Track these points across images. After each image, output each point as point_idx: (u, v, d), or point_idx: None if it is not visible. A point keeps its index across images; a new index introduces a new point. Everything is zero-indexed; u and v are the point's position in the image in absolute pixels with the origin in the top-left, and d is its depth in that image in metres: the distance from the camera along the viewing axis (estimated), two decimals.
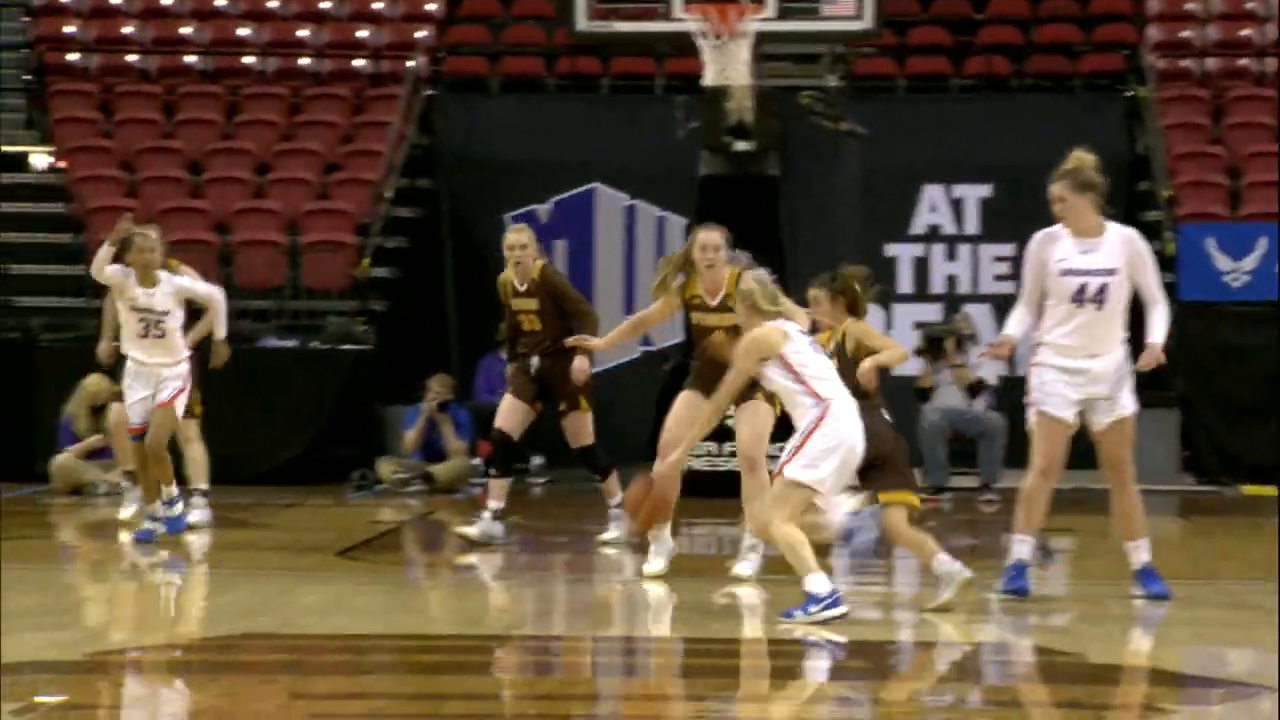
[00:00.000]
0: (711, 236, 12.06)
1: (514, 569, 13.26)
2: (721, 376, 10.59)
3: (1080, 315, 10.85)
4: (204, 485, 14.83)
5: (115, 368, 15.63)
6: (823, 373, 10.31)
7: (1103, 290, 10.81)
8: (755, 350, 10.32)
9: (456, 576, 12.87)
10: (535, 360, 13.77)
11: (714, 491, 15.64)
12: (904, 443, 11.08)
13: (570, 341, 13.19)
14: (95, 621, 10.87)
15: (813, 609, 10.09)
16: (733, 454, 16.58)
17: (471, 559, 13.19)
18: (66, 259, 20.94)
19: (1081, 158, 11.00)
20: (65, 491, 17.82)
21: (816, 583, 10.11)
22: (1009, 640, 10.16)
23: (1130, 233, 10.94)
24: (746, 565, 11.80)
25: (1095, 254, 10.83)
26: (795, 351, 10.27)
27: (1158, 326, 10.89)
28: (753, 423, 11.80)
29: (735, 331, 11.53)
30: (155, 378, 13.63)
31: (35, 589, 11.30)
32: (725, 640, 9.92)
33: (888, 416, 10.86)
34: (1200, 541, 14.87)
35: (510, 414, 13.80)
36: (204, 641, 9.72)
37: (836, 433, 10.17)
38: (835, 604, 10.12)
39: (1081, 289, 10.84)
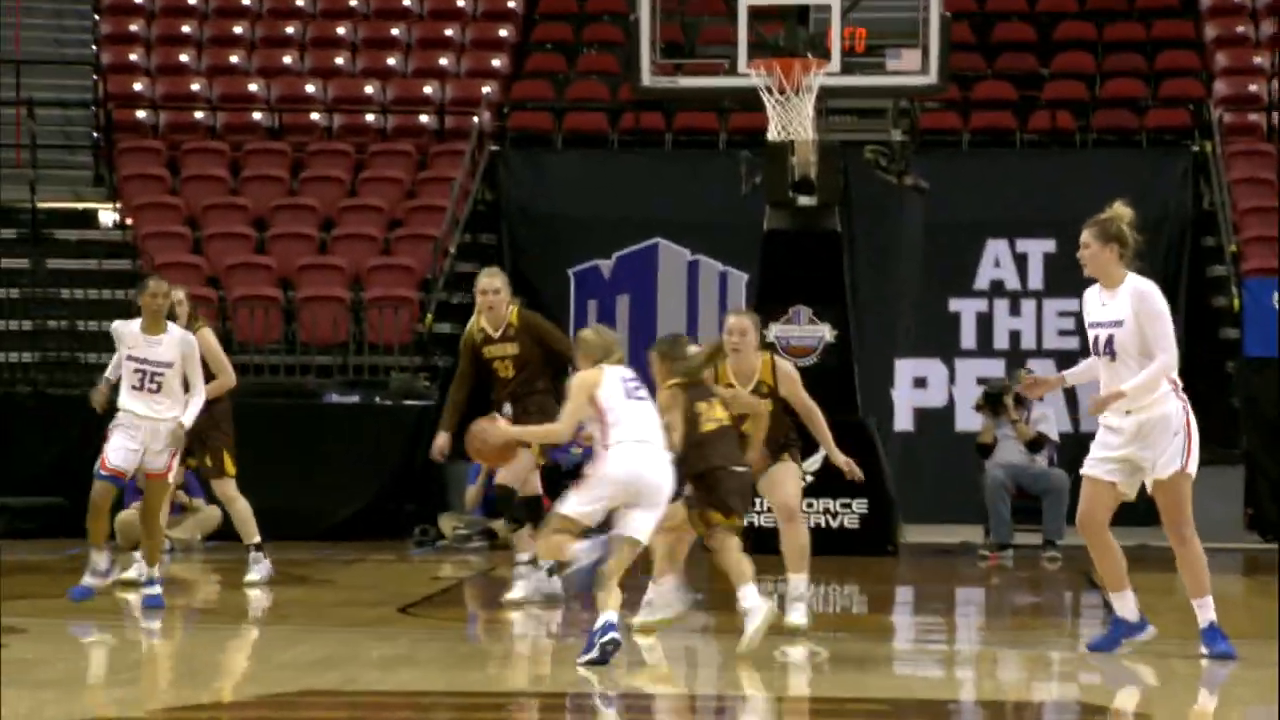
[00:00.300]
0: (739, 321, 12.05)
1: (575, 624, 13.23)
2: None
3: (1103, 369, 10.84)
4: (255, 539, 14.55)
5: None
6: (621, 418, 10.82)
7: (1110, 342, 10.77)
8: (581, 389, 10.94)
9: (518, 632, 12.86)
10: (507, 408, 13.51)
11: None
12: (746, 475, 11.33)
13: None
14: (156, 678, 10.89)
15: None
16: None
17: (534, 613, 13.18)
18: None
19: (1118, 210, 11.00)
20: (128, 548, 17.87)
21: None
22: (1071, 698, 10.09)
23: (1142, 285, 10.86)
24: (797, 614, 11.75)
25: (1109, 306, 10.83)
26: (605, 395, 10.89)
27: (1136, 378, 10.76)
28: (785, 482, 11.84)
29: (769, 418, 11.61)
30: (149, 432, 13.07)
31: (101, 645, 11.34)
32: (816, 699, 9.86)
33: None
34: (1264, 600, 14.75)
35: (512, 469, 13.61)
36: (265, 698, 9.74)
37: (610, 473, 10.69)
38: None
39: (1096, 341, 10.85)
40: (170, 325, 13.32)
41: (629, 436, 10.83)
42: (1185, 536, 10.97)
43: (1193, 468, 10.90)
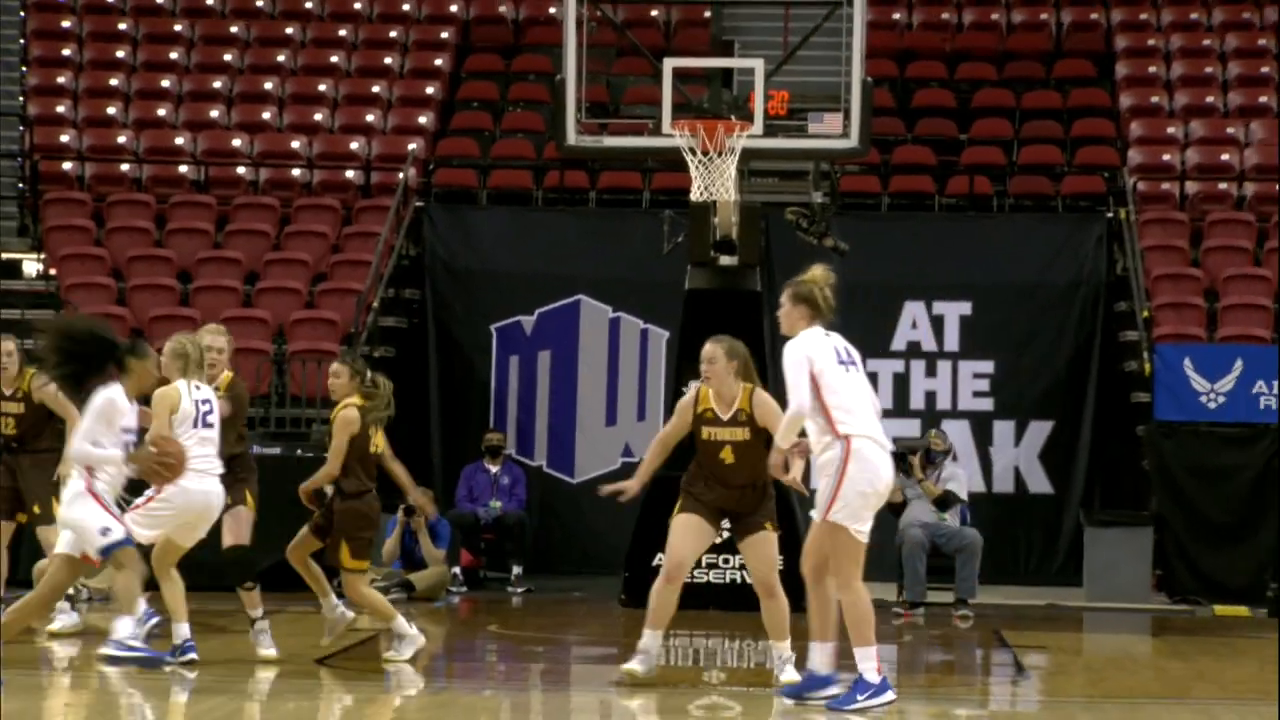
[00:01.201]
0: (706, 348, 12.12)
1: (491, 678, 13.23)
2: (719, 493, 11.19)
3: None
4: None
5: None
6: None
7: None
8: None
9: (433, 685, 12.85)
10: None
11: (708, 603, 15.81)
12: (359, 517, 12.80)
13: (607, 490, 12.57)
14: None
15: None
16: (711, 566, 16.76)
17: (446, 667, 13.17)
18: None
19: (813, 274, 11.28)
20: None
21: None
22: None
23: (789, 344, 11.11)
24: (788, 674, 11.85)
25: None
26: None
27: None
28: (762, 553, 11.89)
29: (744, 447, 11.64)
30: None
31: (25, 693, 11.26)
32: None
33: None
34: (1173, 661, 14.86)
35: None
36: None
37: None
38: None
39: None
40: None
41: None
42: (843, 586, 10.98)
43: (840, 518, 10.89)
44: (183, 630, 12.65)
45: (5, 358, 14.81)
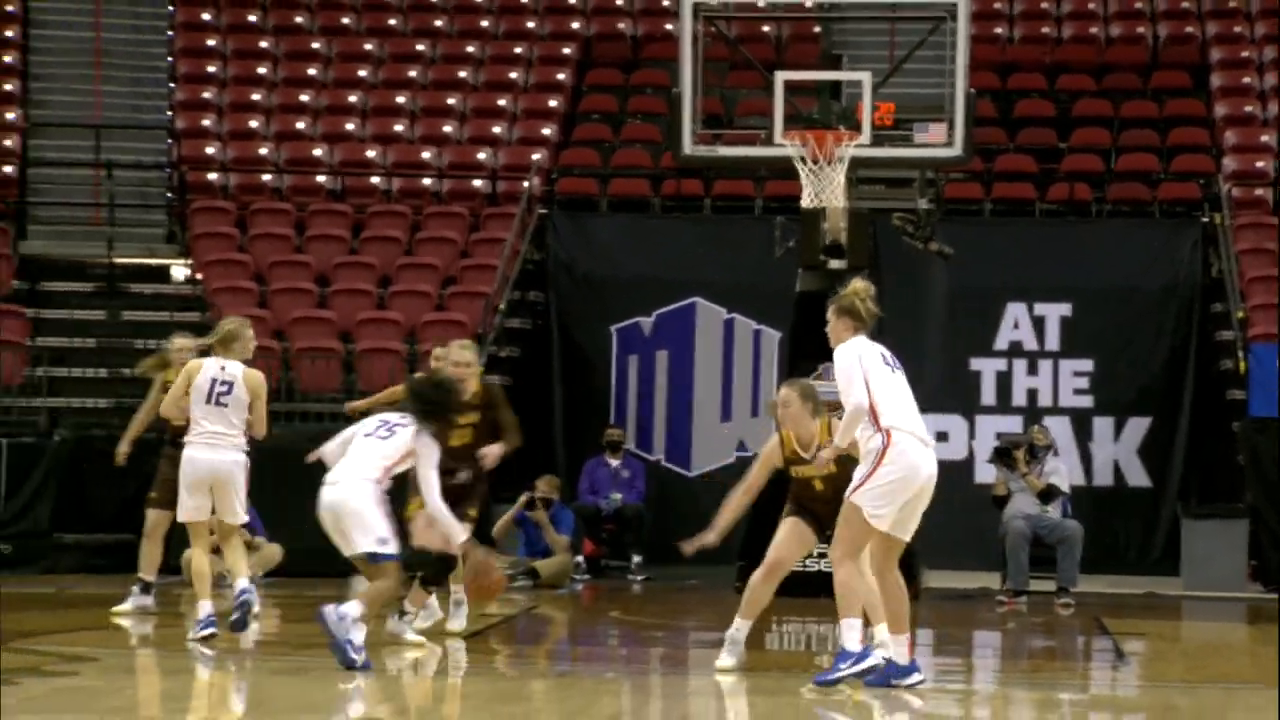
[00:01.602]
0: (781, 393, 12.04)
1: (614, 660, 13.27)
2: (818, 508, 11.33)
3: None
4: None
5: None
6: None
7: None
8: None
9: (557, 668, 12.90)
10: (465, 474, 13.30)
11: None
12: None
13: (689, 548, 12.30)
14: (216, 708, 10.94)
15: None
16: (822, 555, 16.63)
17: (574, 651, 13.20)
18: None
19: (854, 286, 11.30)
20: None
21: None
22: None
23: (838, 351, 11.17)
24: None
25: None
26: None
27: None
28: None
29: (833, 476, 11.59)
30: None
31: (168, 674, 11.40)
32: None
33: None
34: (1268, 648, 14.71)
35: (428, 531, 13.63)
36: None
37: None
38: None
39: None
40: None
41: None
42: (838, 559, 10.96)
43: (861, 500, 10.85)
44: (206, 606, 12.92)
45: (185, 354, 14.59)
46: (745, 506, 12.19)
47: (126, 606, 14.86)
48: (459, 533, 11.94)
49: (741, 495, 12.03)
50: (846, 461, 11.56)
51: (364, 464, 11.57)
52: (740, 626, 11.87)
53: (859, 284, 11.31)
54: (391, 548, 11.53)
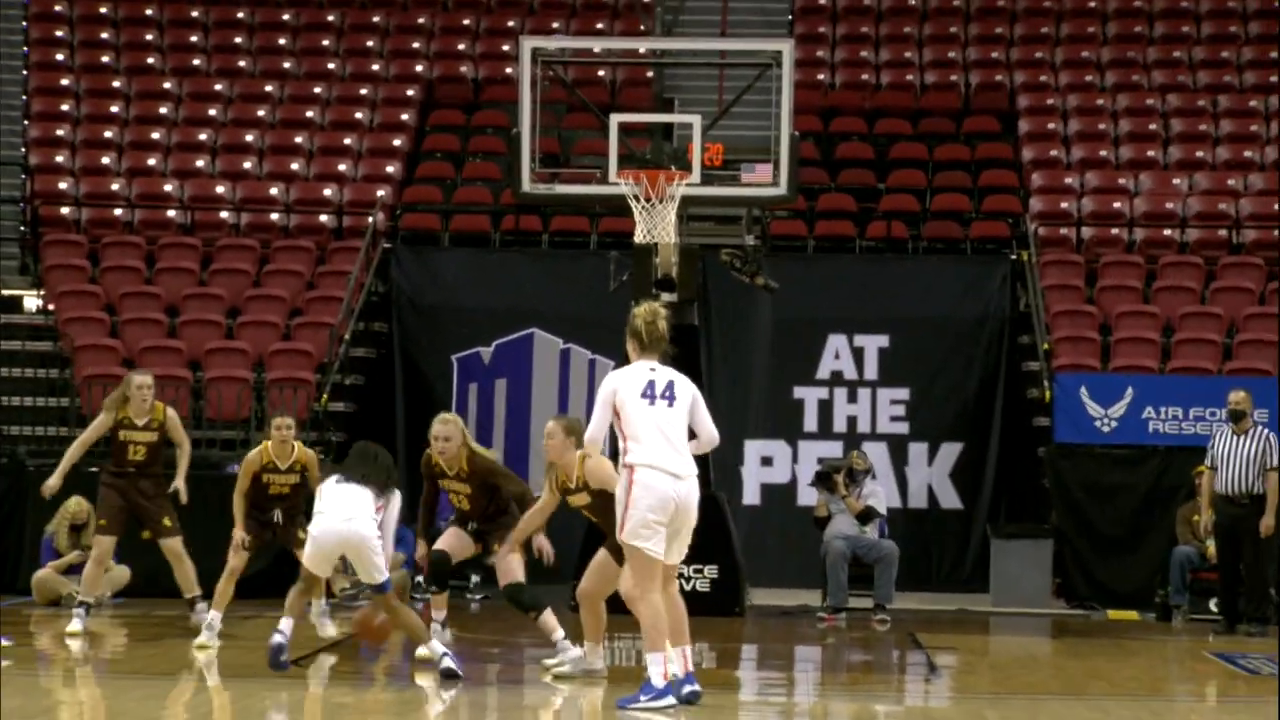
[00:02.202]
0: (548, 425, 12.36)
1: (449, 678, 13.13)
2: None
3: None
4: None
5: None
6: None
7: None
8: None
9: (396, 684, 12.76)
10: (473, 525, 13.54)
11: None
12: None
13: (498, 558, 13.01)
14: None
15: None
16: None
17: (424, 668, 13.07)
18: (54, 392, 20.91)
19: (640, 307, 11.12)
20: (43, 603, 17.66)
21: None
22: None
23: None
24: None
25: None
26: None
27: None
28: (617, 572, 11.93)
29: (594, 507, 11.75)
30: None
31: (17, 692, 11.16)
32: None
33: None
34: (1071, 661, 14.87)
35: (453, 539, 13.63)
36: None
37: None
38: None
39: None
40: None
41: None
42: (635, 598, 10.84)
43: (628, 539, 10.73)
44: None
45: (145, 390, 15.34)
46: (539, 527, 12.37)
47: (77, 627, 15.02)
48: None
49: (534, 515, 12.26)
50: (599, 492, 11.61)
51: (366, 504, 12.08)
52: (589, 649, 11.93)
53: (643, 306, 11.09)
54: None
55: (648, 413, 10.72)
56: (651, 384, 10.78)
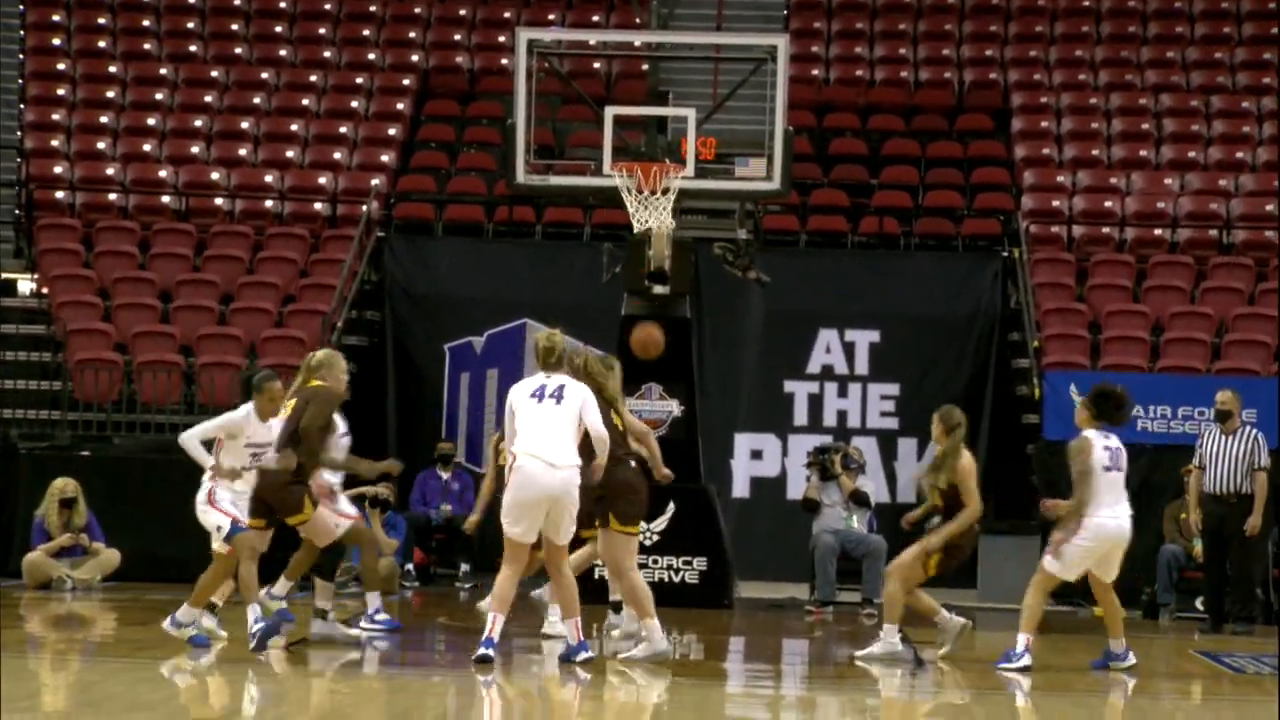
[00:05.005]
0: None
1: (440, 665, 13.15)
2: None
3: None
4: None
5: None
6: None
7: None
8: None
9: (386, 671, 12.76)
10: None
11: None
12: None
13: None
14: (53, 707, 10.72)
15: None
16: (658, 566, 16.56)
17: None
18: (46, 375, 20.88)
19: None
20: (34, 586, 17.65)
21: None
22: None
23: None
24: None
25: None
26: None
27: None
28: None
29: None
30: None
31: (8, 675, 11.14)
32: None
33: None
34: (1056, 657, 14.87)
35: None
36: None
37: None
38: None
39: None
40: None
41: None
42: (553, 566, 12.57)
43: (504, 518, 12.35)
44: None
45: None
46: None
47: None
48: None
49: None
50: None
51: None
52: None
53: (542, 333, 12.62)
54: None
55: (535, 410, 12.20)
56: (542, 387, 12.27)
